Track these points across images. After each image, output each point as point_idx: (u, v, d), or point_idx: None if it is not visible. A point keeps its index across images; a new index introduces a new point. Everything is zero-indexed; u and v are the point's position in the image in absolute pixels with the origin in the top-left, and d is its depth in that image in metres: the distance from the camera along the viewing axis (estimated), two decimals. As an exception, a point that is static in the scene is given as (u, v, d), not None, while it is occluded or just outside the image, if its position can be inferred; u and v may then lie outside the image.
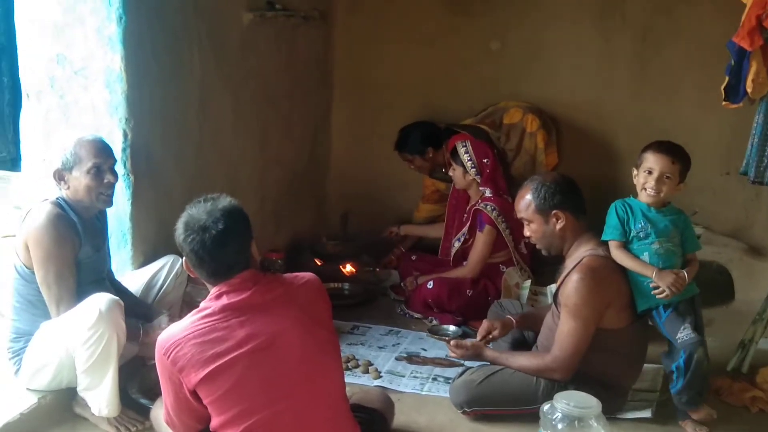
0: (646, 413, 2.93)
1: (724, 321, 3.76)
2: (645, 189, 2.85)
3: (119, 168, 2.95)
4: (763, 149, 3.39)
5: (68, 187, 2.69)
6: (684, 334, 2.77)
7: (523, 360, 2.92)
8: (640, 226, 2.84)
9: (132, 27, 2.96)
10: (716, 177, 4.53)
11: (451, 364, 3.36)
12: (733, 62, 3.25)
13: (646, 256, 2.82)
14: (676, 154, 2.83)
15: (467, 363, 3.13)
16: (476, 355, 3.03)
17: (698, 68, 4.41)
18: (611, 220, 2.89)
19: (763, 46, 3.17)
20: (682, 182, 2.85)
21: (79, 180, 2.66)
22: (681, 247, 2.87)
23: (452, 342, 3.14)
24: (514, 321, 3.18)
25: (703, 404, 2.82)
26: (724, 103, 3.35)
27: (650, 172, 2.82)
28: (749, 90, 3.22)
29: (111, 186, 2.71)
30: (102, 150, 2.70)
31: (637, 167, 2.90)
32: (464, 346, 3.07)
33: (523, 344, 3.21)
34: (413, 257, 4.45)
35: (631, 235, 2.85)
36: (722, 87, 3.32)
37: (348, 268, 4.51)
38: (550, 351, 2.85)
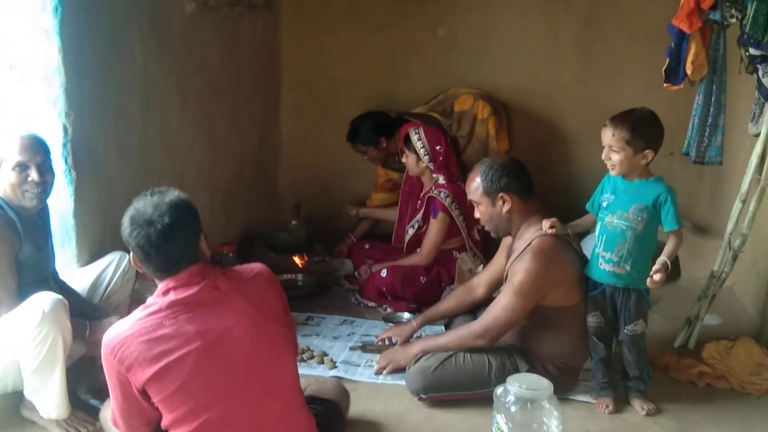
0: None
1: (670, 299, 3.85)
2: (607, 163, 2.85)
3: (60, 164, 2.87)
4: (703, 130, 3.47)
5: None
6: (590, 318, 2.88)
7: (452, 335, 2.99)
8: (605, 196, 2.87)
9: (69, 18, 2.87)
10: (660, 157, 4.56)
11: None
12: (673, 44, 3.31)
13: (598, 227, 2.87)
14: (618, 125, 2.76)
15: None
16: (406, 358, 3.03)
17: (641, 50, 4.49)
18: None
19: (702, 28, 3.23)
20: (641, 152, 2.75)
21: (6, 177, 2.60)
22: (646, 227, 2.77)
23: (379, 360, 3.18)
24: (414, 326, 3.30)
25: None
26: (665, 84, 3.41)
27: (604, 147, 2.83)
28: (689, 72, 3.29)
29: (36, 184, 2.61)
30: (29, 147, 2.61)
31: None
32: (389, 359, 3.12)
33: None
34: (366, 246, 4.45)
35: (599, 203, 2.90)
36: (663, 69, 3.38)
37: (300, 259, 4.49)
38: (479, 320, 2.91)
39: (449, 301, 3.36)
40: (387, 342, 3.37)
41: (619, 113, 2.82)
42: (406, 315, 3.76)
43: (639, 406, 2.87)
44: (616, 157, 2.78)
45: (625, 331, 2.86)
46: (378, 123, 4.47)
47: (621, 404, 2.91)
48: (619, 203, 2.81)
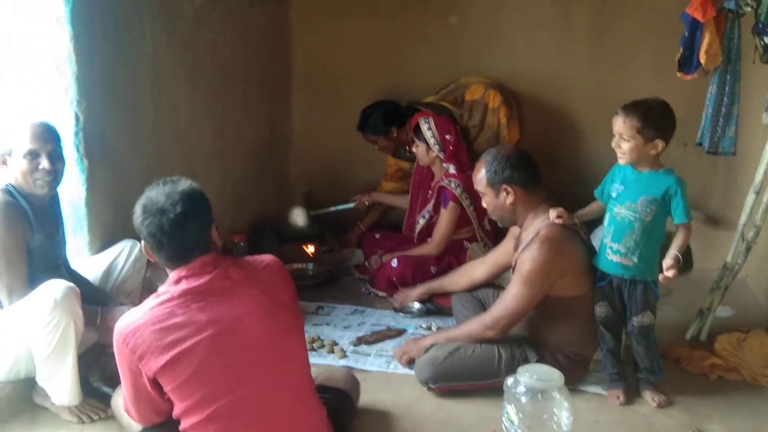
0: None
1: (682, 290, 3.82)
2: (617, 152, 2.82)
3: (71, 152, 2.88)
4: (716, 120, 3.44)
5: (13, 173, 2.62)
6: (598, 308, 2.88)
7: (463, 328, 3.00)
8: (614, 186, 2.85)
9: (81, 6, 2.88)
10: (673, 148, 4.50)
11: (399, 333, 3.46)
12: (686, 33, 3.28)
13: (607, 218, 2.85)
14: (629, 113, 2.73)
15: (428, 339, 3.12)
16: (417, 349, 3.03)
17: (653, 39, 4.45)
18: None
19: (716, 17, 3.20)
20: (651, 141, 2.72)
21: (17, 165, 2.60)
22: (655, 219, 2.75)
23: (394, 354, 3.20)
24: (430, 339, 3.13)
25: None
26: (678, 74, 3.39)
27: (614, 135, 2.81)
28: (702, 61, 3.26)
29: (47, 173, 2.62)
30: (40, 135, 2.61)
31: None
32: (404, 350, 3.12)
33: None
34: (377, 235, 4.44)
35: (608, 193, 2.88)
36: (676, 58, 3.35)
37: (311, 248, 4.49)
38: (489, 311, 2.91)
39: (450, 276, 3.56)
40: (386, 329, 3.45)
41: (631, 102, 2.79)
42: (417, 305, 3.76)
43: (650, 398, 2.86)
44: (626, 146, 2.75)
45: (633, 322, 2.85)
46: (388, 112, 4.45)
47: (632, 396, 2.90)
48: (628, 194, 2.79)
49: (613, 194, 2.84)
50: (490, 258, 3.37)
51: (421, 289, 3.66)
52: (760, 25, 3.15)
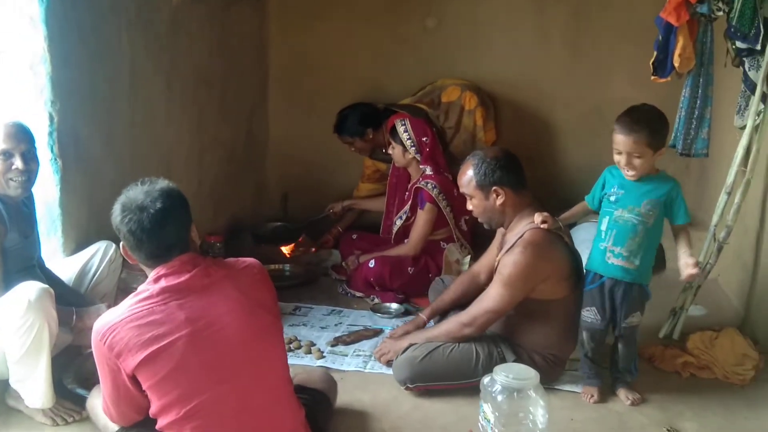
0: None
1: (656, 289, 3.78)
2: (623, 169, 2.75)
3: (46, 153, 2.85)
4: (690, 122, 3.50)
5: None
6: (585, 312, 2.87)
7: (441, 326, 3.01)
8: (612, 189, 2.80)
9: (55, 6, 2.85)
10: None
11: (375, 333, 3.46)
12: (660, 37, 3.32)
13: (605, 222, 2.81)
14: (635, 129, 2.66)
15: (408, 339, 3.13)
16: (395, 350, 3.04)
17: (629, 42, 4.51)
18: (596, 183, 2.90)
19: (689, 21, 3.25)
20: (657, 150, 2.70)
21: None
22: (655, 221, 2.75)
23: (373, 354, 3.21)
24: (424, 318, 3.26)
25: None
26: (653, 77, 3.43)
27: (619, 153, 2.72)
28: (676, 65, 3.31)
29: (21, 173, 2.60)
30: (13, 135, 2.59)
31: None
32: (382, 350, 3.13)
33: None
34: (354, 236, 4.45)
35: (604, 194, 2.83)
36: (651, 62, 3.40)
37: (287, 249, 4.49)
38: (467, 310, 2.92)
39: (455, 290, 3.29)
40: (363, 329, 3.45)
41: (626, 116, 2.72)
42: (394, 305, 3.77)
43: (624, 396, 2.89)
44: (638, 162, 2.69)
45: (624, 323, 2.84)
46: (364, 114, 4.47)
47: (606, 394, 2.92)
48: (629, 198, 2.76)
49: (612, 198, 2.80)
50: (485, 263, 3.25)
51: (426, 315, 3.29)
52: (732, 30, 3.20)
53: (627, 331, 2.86)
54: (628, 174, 2.74)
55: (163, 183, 2.08)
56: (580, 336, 2.92)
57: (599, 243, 2.83)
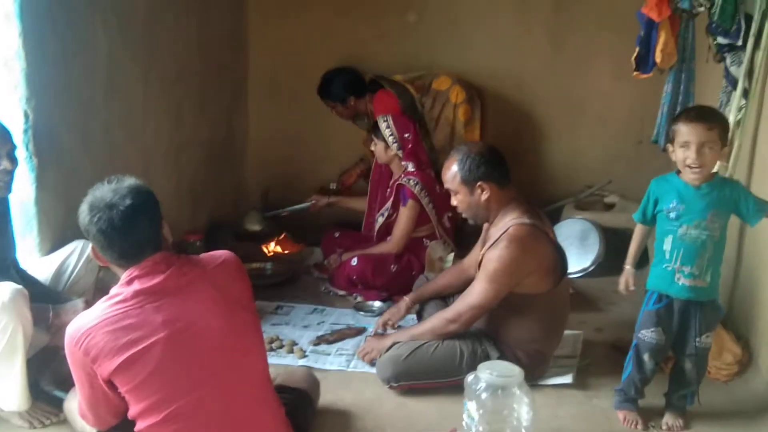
0: (567, 379, 3.00)
1: (640, 286, 3.85)
2: (688, 166, 2.49)
3: (21, 151, 2.80)
4: (672, 118, 3.49)
5: None
6: (648, 333, 2.67)
7: (425, 324, 3.00)
8: (671, 205, 2.56)
9: (30, 2, 2.79)
10: (630, 146, 4.66)
11: (358, 332, 3.44)
12: (642, 33, 3.33)
13: (669, 241, 2.57)
14: (710, 118, 2.49)
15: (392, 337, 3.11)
16: (379, 349, 3.02)
17: (610, 38, 4.51)
18: (644, 198, 2.68)
19: (670, 16, 3.26)
20: (723, 147, 2.52)
21: None
22: (722, 233, 2.55)
23: (357, 354, 3.18)
24: (408, 300, 3.27)
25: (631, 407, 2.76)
26: (635, 73, 3.43)
27: (687, 146, 2.47)
28: (658, 60, 3.32)
29: (5, 173, 2.56)
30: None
31: (672, 142, 2.57)
32: (366, 349, 3.11)
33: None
34: (336, 234, 4.42)
35: (659, 210, 2.61)
36: (633, 57, 3.40)
37: (270, 247, 4.45)
38: (451, 306, 2.92)
39: (443, 279, 3.31)
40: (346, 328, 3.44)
41: (692, 110, 2.63)
42: (377, 303, 3.75)
43: (667, 421, 2.71)
44: (710, 155, 2.46)
45: (696, 343, 2.63)
46: (348, 81, 4.51)
47: (591, 389, 2.91)
48: (693, 212, 2.53)
49: (672, 215, 2.56)
50: (474, 257, 3.20)
51: (410, 299, 3.32)
52: (713, 25, 3.21)
53: (701, 351, 2.66)
54: (694, 171, 2.49)
55: (130, 180, 2.04)
56: (634, 357, 2.72)
57: (664, 264, 2.60)
